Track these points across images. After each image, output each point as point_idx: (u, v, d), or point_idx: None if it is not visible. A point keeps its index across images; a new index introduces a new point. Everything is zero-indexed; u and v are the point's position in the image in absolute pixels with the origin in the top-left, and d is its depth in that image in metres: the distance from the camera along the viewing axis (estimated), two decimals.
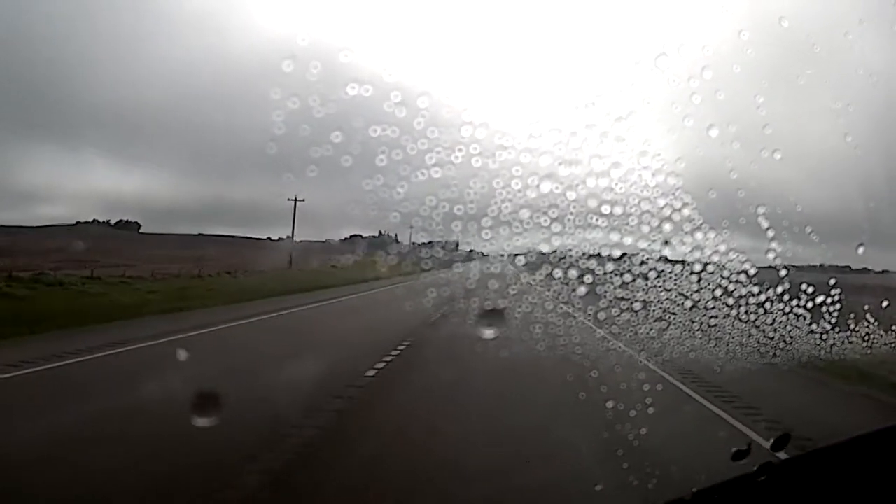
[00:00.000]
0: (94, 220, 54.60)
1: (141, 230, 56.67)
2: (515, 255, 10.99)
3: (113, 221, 56.97)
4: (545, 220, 8.65)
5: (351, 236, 49.39)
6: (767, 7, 9.78)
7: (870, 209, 9.95)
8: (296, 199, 44.46)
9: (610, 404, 6.94)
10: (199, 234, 54.92)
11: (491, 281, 18.13)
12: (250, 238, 53.63)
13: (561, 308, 15.79)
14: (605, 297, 10.44)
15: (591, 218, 8.36)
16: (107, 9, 53.69)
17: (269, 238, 53.90)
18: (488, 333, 10.51)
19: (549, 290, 16.71)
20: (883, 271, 16.31)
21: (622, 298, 10.41)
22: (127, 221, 57.33)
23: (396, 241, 41.17)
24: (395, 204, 9.87)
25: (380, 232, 44.05)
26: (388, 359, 11.08)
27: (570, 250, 9.90)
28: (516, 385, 9.47)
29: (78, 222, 52.95)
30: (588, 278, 9.32)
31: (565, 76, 12.44)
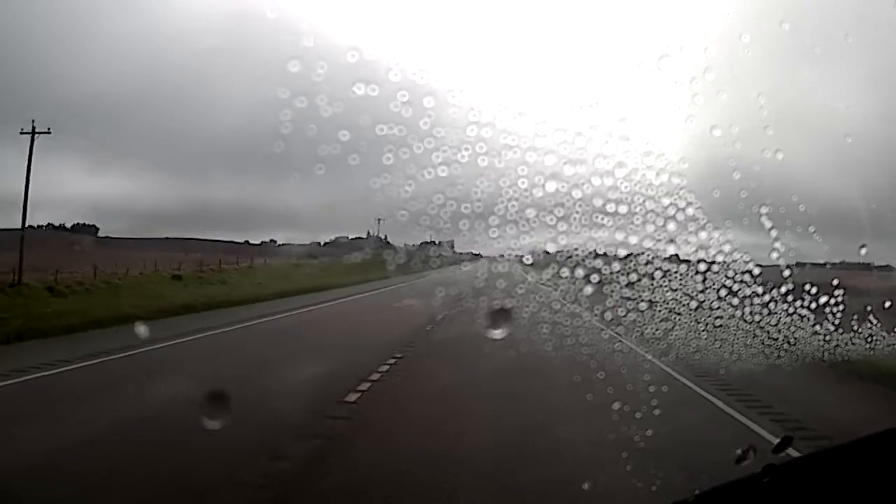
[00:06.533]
0: (48, 224, 52.54)
1: (99, 234, 53.81)
2: (521, 256, 10.97)
3: (69, 225, 54.73)
4: (551, 219, 8.58)
5: (335, 238, 47.69)
6: (768, 10, 9.83)
7: (871, 210, 9.96)
8: (33, 132, 26.78)
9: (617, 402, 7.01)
10: (166, 238, 49.47)
11: (494, 284, 17.98)
12: (231, 242, 50.35)
13: (568, 308, 15.85)
14: (611, 296, 10.46)
15: (597, 217, 8.35)
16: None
17: (247, 242, 51.06)
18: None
19: (556, 290, 16.77)
20: None
21: (628, 298, 10.45)
22: (84, 225, 55.02)
23: (387, 244, 39.86)
24: (401, 202, 9.88)
25: (368, 233, 42.89)
26: None
27: (576, 249, 9.90)
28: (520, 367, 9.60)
29: (29, 226, 50.61)
30: (594, 277, 9.30)
31: (570, 77, 12.51)
